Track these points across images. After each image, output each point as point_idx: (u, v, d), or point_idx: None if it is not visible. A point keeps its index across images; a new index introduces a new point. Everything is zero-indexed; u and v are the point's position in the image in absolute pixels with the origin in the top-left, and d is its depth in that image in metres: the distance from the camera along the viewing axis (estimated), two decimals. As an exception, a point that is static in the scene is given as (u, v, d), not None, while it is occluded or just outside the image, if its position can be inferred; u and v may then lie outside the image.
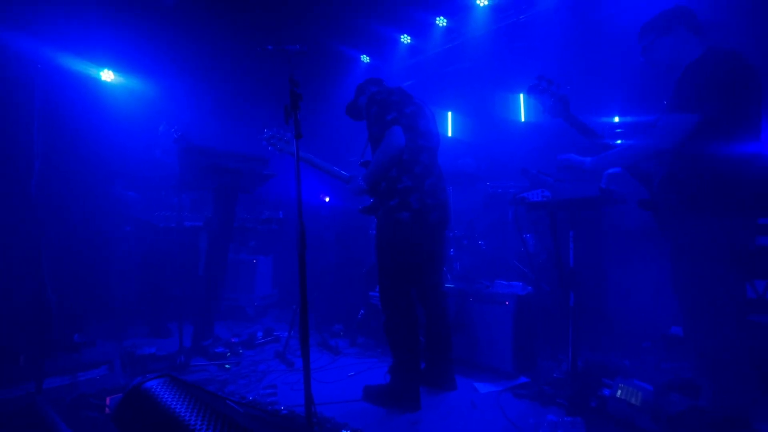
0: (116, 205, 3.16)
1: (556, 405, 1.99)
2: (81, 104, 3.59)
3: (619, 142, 2.32)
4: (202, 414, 0.51)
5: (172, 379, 0.62)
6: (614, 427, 1.76)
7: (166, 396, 0.56)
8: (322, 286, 4.11)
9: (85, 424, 1.16)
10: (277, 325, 3.58)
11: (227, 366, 2.59)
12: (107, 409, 1.74)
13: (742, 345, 1.54)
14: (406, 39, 4.62)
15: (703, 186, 1.54)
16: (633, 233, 3.03)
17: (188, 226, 2.96)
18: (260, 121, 2.71)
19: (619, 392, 1.81)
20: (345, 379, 2.42)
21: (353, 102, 2.40)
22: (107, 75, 3.96)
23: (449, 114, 4.76)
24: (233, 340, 3.02)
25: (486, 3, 4.07)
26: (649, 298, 2.98)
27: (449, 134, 4.72)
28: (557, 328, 2.59)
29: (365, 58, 5.07)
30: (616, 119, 3.32)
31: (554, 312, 2.68)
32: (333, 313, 3.65)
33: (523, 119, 4.07)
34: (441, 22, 4.39)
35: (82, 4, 3.41)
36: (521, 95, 4.12)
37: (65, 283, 2.22)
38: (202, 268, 3.01)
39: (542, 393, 2.09)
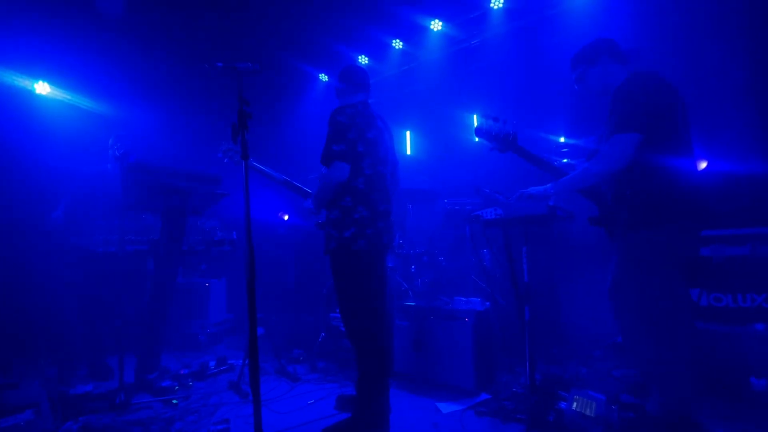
0: (49, 230, 2.89)
1: (516, 421, 2.00)
2: (11, 119, 3.31)
3: (565, 161, 2.46)
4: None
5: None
6: (571, 440, 1.79)
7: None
8: (280, 309, 3.96)
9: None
10: (231, 352, 3.39)
11: (174, 401, 2.40)
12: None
13: (689, 350, 1.63)
14: (363, 59, 4.70)
15: (649, 201, 1.65)
16: (580, 247, 3.19)
17: (131, 251, 2.76)
18: (213, 138, 2.61)
19: (574, 404, 1.86)
20: (304, 407, 2.31)
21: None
22: (42, 87, 3.68)
23: (407, 133, 4.85)
24: (182, 371, 2.81)
25: (440, 28, 4.24)
26: (597, 308, 3.13)
27: (408, 152, 4.79)
28: (514, 342, 2.64)
29: (323, 77, 5.09)
30: (562, 139, 3.53)
31: (511, 326, 2.73)
32: (292, 337, 3.52)
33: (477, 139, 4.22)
34: (397, 44, 4.51)
35: (16, 12, 3.18)
36: (475, 115, 4.28)
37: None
38: (147, 295, 2.80)
39: (503, 409, 2.10)
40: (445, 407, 2.22)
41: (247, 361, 2.75)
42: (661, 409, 1.67)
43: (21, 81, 3.51)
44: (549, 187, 1.85)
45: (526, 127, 2.24)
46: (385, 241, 2.08)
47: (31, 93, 3.65)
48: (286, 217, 4.19)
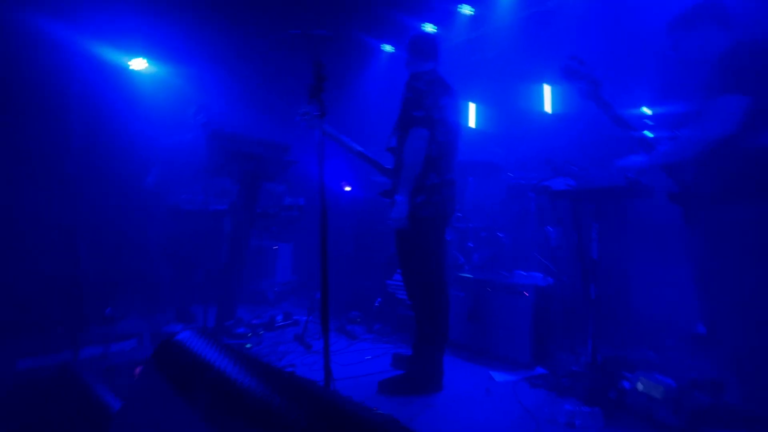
0: (147, 188, 3.28)
1: (574, 396, 1.97)
2: (114, 90, 3.73)
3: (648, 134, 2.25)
4: (229, 356, 0.54)
5: (201, 332, 0.66)
6: (633, 420, 1.73)
7: (196, 343, 0.60)
8: (340, 274, 4.15)
9: (117, 389, 1.23)
10: (295, 310, 3.66)
11: (248, 345, 2.67)
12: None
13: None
14: (429, 28, 4.57)
15: (743, 173, 1.48)
16: (660, 228, 2.93)
17: (212, 210, 3.05)
18: (282, 109, 2.75)
19: (639, 385, 1.78)
20: (361, 362, 2.47)
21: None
22: (139, 63, 4.08)
23: (472, 105, 4.70)
24: (254, 321, 3.11)
25: (512, -10, 3.98)
26: (674, 295, 2.89)
27: (472, 125, 4.66)
28: (576, 322, 2.55)
29: (388, 48, 5.05)
30: (646, 110, 3.21)
31: (574, 305, 2.63)
32: (350, 300, 3.70)
33: (549, 111, 3.98)
34: (466, 10, 4.32)
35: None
36: (548, 86, 4.02)
37: (98, 260, 2.33)
38: (225, 252, 3.10)
39: (559, 384, 2.07)
40: (498, 376, 2.24)
41: (311, 318, 2.99)
42: (744, 401, 1.55)
43: (120, 58, 3.91)
44: (646, 159, 1.71)
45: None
46: (449, 209, 2.12)
47: (127, 68, 4.07)
48: (348, 189, 4.34)
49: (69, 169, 1.93)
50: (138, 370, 2.03)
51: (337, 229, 4.40)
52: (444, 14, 4.42)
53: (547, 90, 4.04)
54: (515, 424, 1.74)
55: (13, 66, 2.65)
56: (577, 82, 1.85)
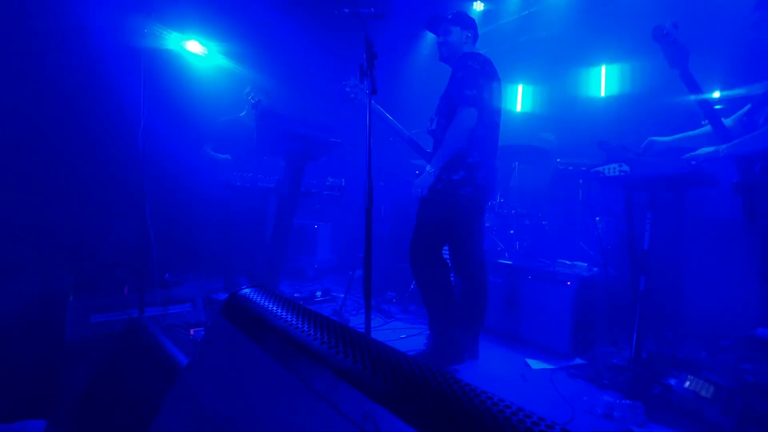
0: (203, 164, 3.48)
1: (614, 389, 1.92)
2: (176, 72, 3.93)
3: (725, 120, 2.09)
4: (292, 309, 0.59)
5: (265, 289, 0.71)
6: (677, 417, 1.67)
7: (261, 297, 0.65)
8: (377, 255, 4.23)
9: (178, 342, 1.36)
10: (334, 287, 3.79)
11: (290, 317, 2.82)
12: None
13: None
14: (479, 6, 4.42)
15: None
16: (720, 222, 2.73)
17: (260, 187, 3.19)
18: (332, 92, 2.80)
19: (687, 383, 1.71)
20: (397, 340, 2.53)
21: (443, 37, 2.12)
22: (193, 45, 4.28)
23: (519, 87, 4.53)
24: (295, 295, 3.26)
25: (570, -35, 3.75)
26: (732, 294, 2.70)
27: (518, 109, 4.50)
28: (621, 316, 2.45)
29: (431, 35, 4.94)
30: (716, 94, 2.96)
31: (620, 298, 2.54)
32: (387, 280, 3.77)
33: (603, 94, 3.76)
34: (517, -12, 4.14)
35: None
36: (603, 67, 3.79)
37: (161, 229, 2.53)
38: (271, 228, 3.25)
39: (599, 375, 2.03)
40: (535, 364, 2.23)
41: (348, 295, 3.09)
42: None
43: (177, 41, 4.10)
44: (722, 149, 1.61)
45: (672, 84, 1.94)
46: (488, 194, 2.09)
47: (182, 50, 4.27)
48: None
49: (140, 147, 2.10)
50: (192, 331, 2.22)
51: (374, 210, 4.48)
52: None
53: (601, 73, 3.81)
54: (550, 411, 1.73)
55: (84, 55, 2.90)
56: (668, 47, 1.73)
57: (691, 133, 1.99)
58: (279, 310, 0.60)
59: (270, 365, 0.49)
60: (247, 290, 0.72)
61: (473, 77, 1.90)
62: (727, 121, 1.86)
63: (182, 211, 3.56)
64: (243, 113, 3.48)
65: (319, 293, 3.40)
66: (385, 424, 0.33)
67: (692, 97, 1.75)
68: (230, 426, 0.50)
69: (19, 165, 2.84)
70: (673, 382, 1.76)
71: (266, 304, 0.64)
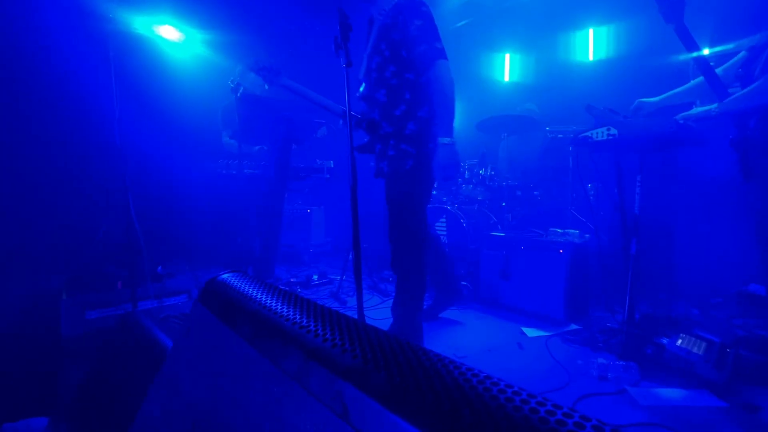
0: (190, 152, 3.41)
1: (608, 351, 1.96)
2: (147, 60, 3.80)
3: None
4: (267, 291, 0.58)
5: (243, 274, 0.69)
6: (670, 375, 1.71)
7: (238, 281, 0.63)
8: (372, 234, 4.23)
9: (172, 333, 1.36)
10: (330, 269, 3.79)
11: (287, 301, 2.82)
12: (189, 328, 2.00)
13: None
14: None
15: None
16: (712, 182, 2.74)
17: (247, 174, 3.14)
18: (314, 72, 2.72)
19: (679, 341, 1.74)
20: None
21: None
22: (168, 31, 4.11)
23: (507, 56, 4.43)
24: (291, 280, 3.26)
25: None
26: (723, 254, 2.74)
27: (506, 78, 4.42)
28: (615, 280, 2.48)
29: None
30: (705, 51, 2.91)
31: (613, 263, 2.56)
32: (382, 261, 3.77)
33: (591, 58, 3.69)
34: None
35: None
36: (590, 30, 3.70)
37: (148, 224, 2.50)
38: (262, 214, 3.22)
39: (594, 339, 2.06)
40: (531, 332, 2.25)
41: (345, 276, 3.10)
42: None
43: (149, 25, 3.94)
44: (714, 109, 1.57)
45: (660, 44, 1.90)
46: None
47: (160, 36, 4.11)
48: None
49: (117, 140, 2.03)
50: (189, 320, 2.22)
51: (367, 190, 4.45)
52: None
53: (589, 36, 3.73)
54: (546, 376, 1.76)
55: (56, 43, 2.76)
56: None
57: (678, 89, 1.95)
58: (254, 294, 0.58)
59: (243, 349, 0.48)
60: (225, 276, 0.71)
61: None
62: (718, 71, 1.82)
63: (170, 203, 3.51)
64: (226, 102, 3.40)
65: (315, 277, 3.40)
66: (351, 400, 0.32)
67: (687, 55, 1.70)
68: (208, 411, 0.49)
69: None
70: (665, 341, 1.79)
71: (242, 288, 0.62)
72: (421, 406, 0.27)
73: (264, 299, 0.55)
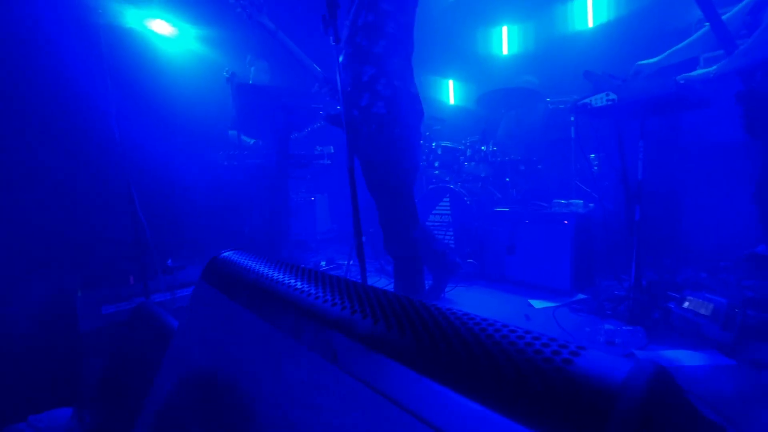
0: (190, 146, 3.43)
1: (616, 318, 1.97)
2: (142, 55, 3.78)
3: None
4: (266, 263, 0.59)
5: (244, 251, 0.71)
6: (679, 338, 1.72)
7: (241, 258, 0.65)
8: (377, 217, 4.25)
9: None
10: (337, 255, 3.83)
11: (296, 287, 2.87)
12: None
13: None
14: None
15: None
16: (716, 146, 2.69)
17: (249, 164, 3.15)
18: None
19: (686, 303, 1.74)
20: (402, 297, 2.58)
21: None
22: (160, 26, 4.08)
23: (504, 28, 4.34)
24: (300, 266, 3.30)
25: None
26: (730, 217, 2.70)
27: (505, 52, 4.33)
28: (622, 249, 2.47)
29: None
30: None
31: (619, 232, 2.54)
32: (389, 243, 3.80)
33: (590, 24, 3.60)
34: None
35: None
36: (588, -3, 3.60)
37: (158, 218, 2.54)
38: (266, 203, 3.24)
39: (601, 307, 2.07)
40: (538, 303, 2.27)
41: (352, 261, 3.13)
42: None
43: (143, 19, 3.91)
44: (713, 71, 1.53)
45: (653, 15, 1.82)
46: None
47: (151, 31, 4.08)
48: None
49: (117, 136, 2.05)
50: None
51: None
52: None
53: (587, 1, 3.62)
54: (554, 345, 1.77)
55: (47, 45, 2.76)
56: None
57: (679, 45, 1.89)
58: (252, 266, 0.60)
59: (243, 315, 0.50)
60: (226, 253, 0.72)
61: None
62: (723, 18, 1.76)
63: (175, 197, 3.55)
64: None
65: (323, 263, 3.44)
66: (339, 346, 0.33)
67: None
68: (215, 375, 0.51)
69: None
70: (672, 305, 1.80)
71: (242, 262, 0.64)
72: (402, 344, 0.29)
73: (261, 269, 0.57)
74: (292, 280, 0.49)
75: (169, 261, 2.79)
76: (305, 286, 0.46)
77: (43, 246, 2.95)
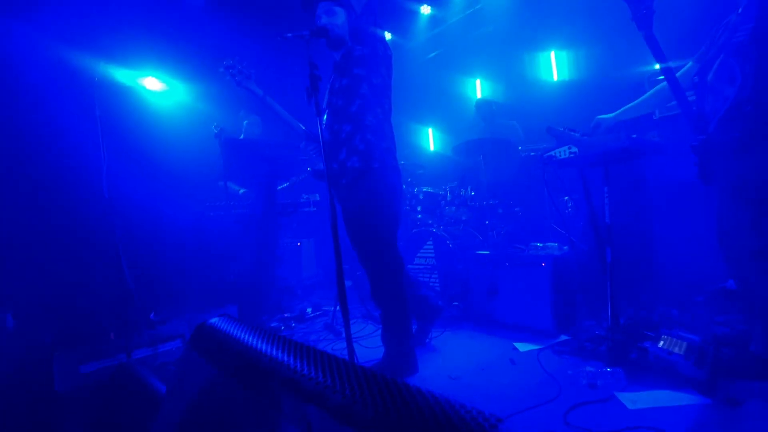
0: (178, 197, 3.48)
1: (597, 359, 2.01)
2: (133, 111, 3.92)
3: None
4: (252, 333, 0.64)
5: (231, 318, 0.76)
6: (656, 377, 1.76)
7: (228, 326, 0.70)
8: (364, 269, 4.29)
9: (168, 380, 1.39)
10: (323, 301, 3.82)
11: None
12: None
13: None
14: (426, 9, 4.55)
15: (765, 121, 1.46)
16: (681, 185, 2.87)
17: (236, 213, 3.21)
18: (291, 109, 2.85)
19: (661, 343, 1.80)
20: (389, 344, 2.57)
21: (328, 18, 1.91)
22: (152, 83, 4.26)
23: (477, 81, 4.66)
24: (286, 315, 3.27)
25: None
26: (702, 252, 2.84)
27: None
28: (598, 288, 2.56)
29: (386, 35, 5.06)
30: (657, 66, 3.12)
31: (593, 272, 2.64)
32: (375, 287, 3.82)
33: (555, 78, 3.91)
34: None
35: (126, 20, 3.68)
36: (552, 53, 3.94)
37: (138, 271, 2.53)
38: (252, 252, 3.27)
39: (582, 348, 2.11)
40: (523, 346, 2.30)
41: (338, 307, 3.13)
42: (766, 350, 1.56)
43: (133, 78, 4.08)
44: (615, 115, 1.71)
45: (613, 63, 2.05)
46: None
47: (142, 88, 4.25)
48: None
49: (104, 188, 2.11)
50: (184, 365, 2.22)
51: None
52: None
53: (551, 58, 3.97)
54: (538, 388, 1.80)
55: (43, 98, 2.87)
56: (633, 4, 1.71)
57: (634, 102, 2.07)
58: (238, 335, 0.65)
59: (228, 386, 0.54)
60: (213, 321, 0.77)
61: (384, 53, 1.94)
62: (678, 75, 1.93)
63: (161, 248, 3.54)
64: (242, 136, 3.52)
65: (309, 309, 3.42)
66: (314, 418, 0.39)
67: (653, 65, 1.79)
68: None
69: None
70: (648, 344, 1.86)
71: (228, 330, 0.68)
72: (364, 416, 0.34)
73: (246, 339, 0.62)
74: (274, 351, 0.54)
75: (152, 314, 2.75)
76: (285, 357, 0.51)
77: (19, 300, 2.87)
